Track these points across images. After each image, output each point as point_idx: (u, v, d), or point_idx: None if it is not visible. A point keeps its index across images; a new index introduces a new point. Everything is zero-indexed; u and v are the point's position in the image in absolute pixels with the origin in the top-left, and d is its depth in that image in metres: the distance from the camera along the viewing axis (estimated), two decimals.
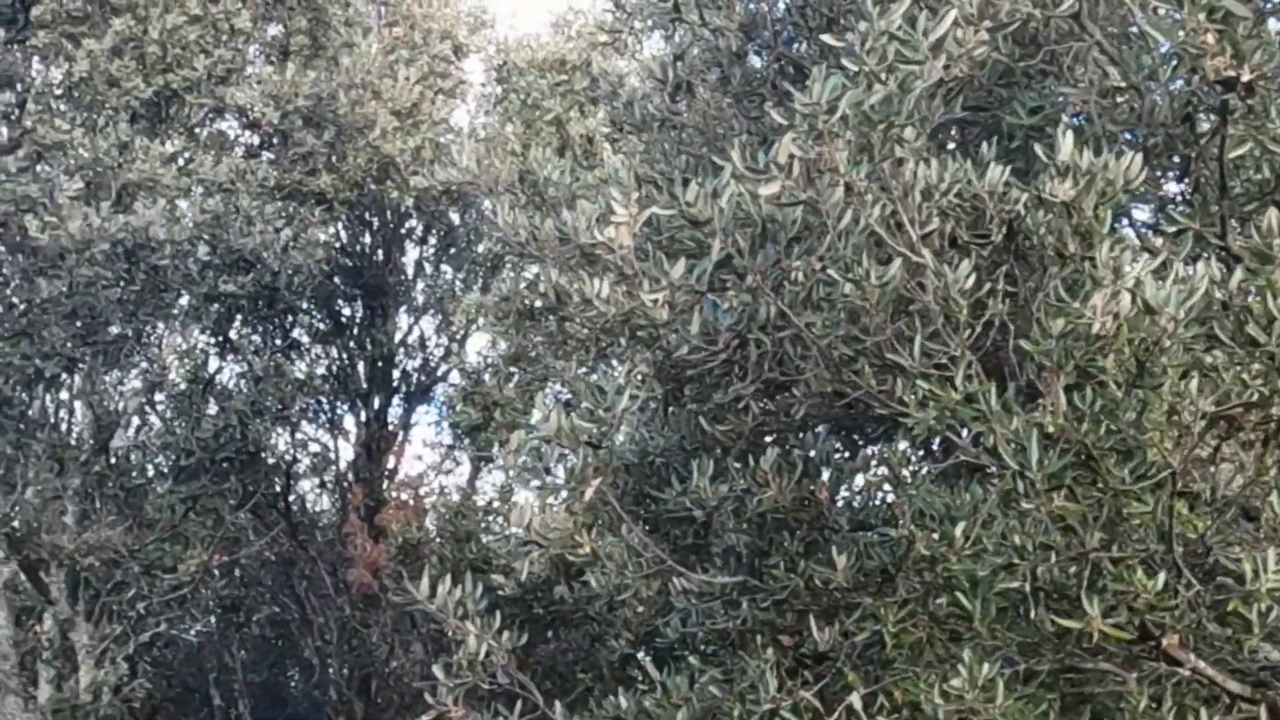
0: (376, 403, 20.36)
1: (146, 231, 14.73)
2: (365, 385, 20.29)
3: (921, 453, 8.33)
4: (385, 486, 20.02)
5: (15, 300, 15.42)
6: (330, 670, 19.73)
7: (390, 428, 20.51)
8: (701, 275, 6.23)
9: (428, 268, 20.66)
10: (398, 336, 20.39)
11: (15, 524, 15.90)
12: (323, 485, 21.27)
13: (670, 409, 8.26)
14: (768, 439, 7.59)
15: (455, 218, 19.96)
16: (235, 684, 21.12)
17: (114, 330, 15.82)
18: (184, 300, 16.24)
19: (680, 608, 7.65)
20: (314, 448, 20.61)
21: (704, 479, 6.90)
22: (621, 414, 6.58)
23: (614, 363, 9.51)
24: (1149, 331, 5.54)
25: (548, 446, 6.76)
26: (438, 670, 7.36)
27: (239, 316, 17.74)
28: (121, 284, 15.02)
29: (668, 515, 7.81)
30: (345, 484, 20.36)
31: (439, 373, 20.68)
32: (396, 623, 19.10)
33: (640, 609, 10.90)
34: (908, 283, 5.87)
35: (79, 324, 15.19)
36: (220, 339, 17.81)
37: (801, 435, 7.32)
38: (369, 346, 20.05)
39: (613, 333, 7.37)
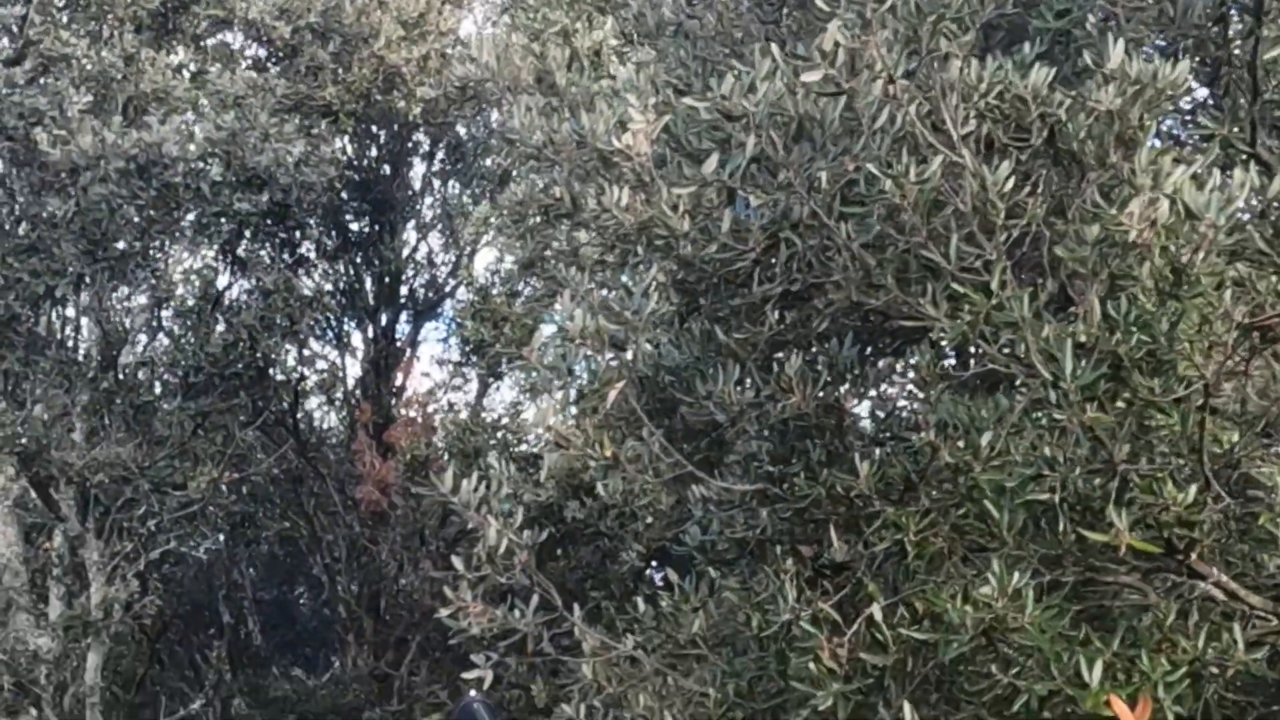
0: (384, 319, 20.25)
1: (159, 148, 14.57)
2: (373, 301, 20.17)
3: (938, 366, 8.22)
4: (393, 403, 19.97)
5: (24, 215, 15.29)
6: (339, 587, 19.77)
7: (398, 344, 20.43)
8: (735, 171, 6.09)
9: (435, 182, 20.48)
10: (405, 252, 20.24)
11: (24, 441, 15.85)
12: (331, 402, 21.23)
13: (685, 324, 8.14)
14: (778, 355, 7.48)
15: (462, 131, 19.76)
16: (244, 601, 21.21)
17: (121, 246, 15.69)
18: (190, 216, 16.10)
19: (698, 516, 7.58)
20: (321, 365, 20.56)
21: (728, 384, 6.79)
22: (648, 316, 6.48)
23: (623, 276, 9.38)
24: (1188, 239, 5.40)
25: (571, 347, 6.66)
26: (456, 562, 7.32)
27: (247, 233, 17.59)
28: (135, 202, 14.87)
29: (684, 427, 7.72)
30: (353, 401, 20.30)
31: (447, 289, 20.56)
32: (406, 540, 19.13)
33: (651, 520, 10.83)
34: (944, 184, 5.73)
35: (86, 241, 15.06)
36: (229, 255, 17.68)
37: (822, 345, 7.20)
38: (376, 263, 19.90)
39: (629, 240, 7.25)
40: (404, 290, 20.37)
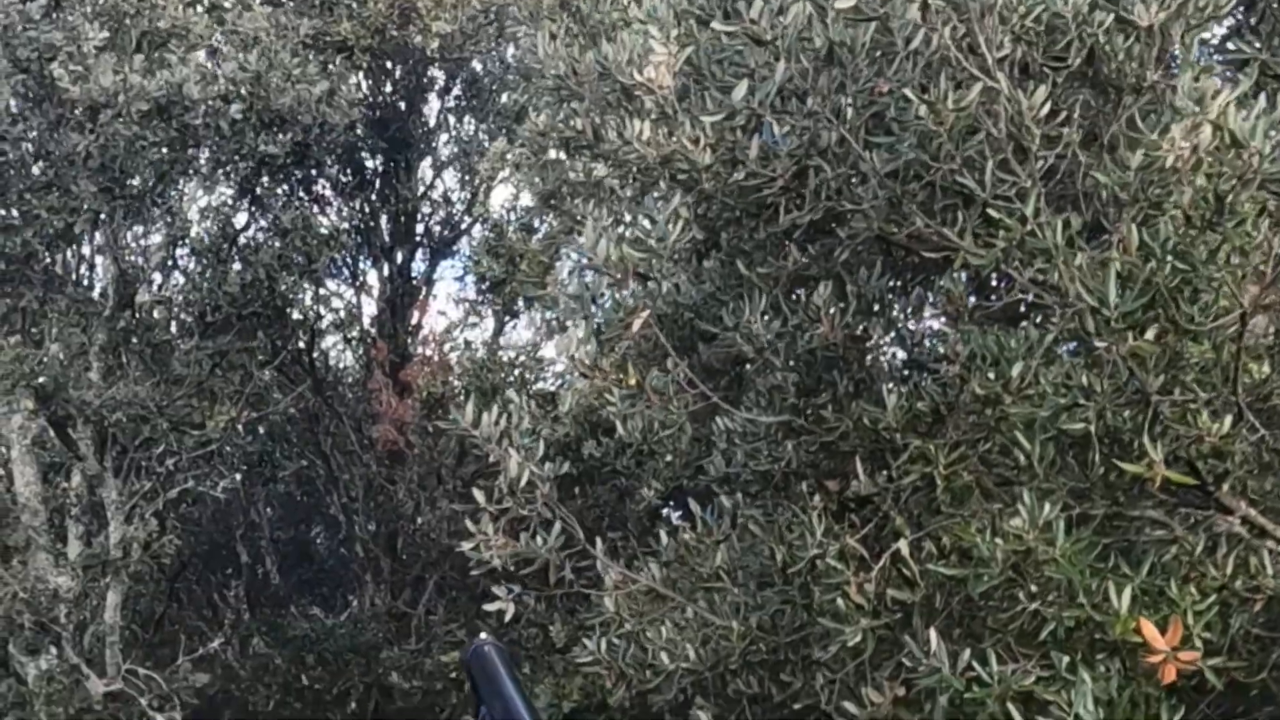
0: (400, 257, 20.17)
1: (180, 89, 14.43)
2: (389, 240, 20.08)
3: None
4: (410, 342, 19.93)
5: (40, 152, 15.17)
6: (357, 526, 19.81)
7: (414, 282, 20.36)
8: (765, 98, 5.99)
9: (451, 119, 20.33)
10: (421, 190, 20.13)
11: (42, 379, 15.81)
12: (347, 341, 21.20)
13: (704, 260, 8.06)
14: (799, 290, 7.39)
15: (478, 66, 19.60)
16: (262, 540, 21.26)
17: (135, 183, 15.59)
18: (205, 155, 15.98)
19: (722, 448, 7.51)
20: (338, 304, 20.51)
21: (754, 315, 6.72)
22: (673, 244, 6.40)
23: (647, 201, 9.27)
24: (1232, 166, 5.28)
25: (594, 277, 6.58)
26: (478, 494, 7.27)
27: (265, 172, 17.48)
28: (154, 143, 14.73)
29: (703, 366, 7.65)
30: (370, 340, 20.26)
31: (463, 226, 20.46)
32: (423, 479, 19.13)
33: (670, 459, 10.76)
34: (979, 110, 5.60)
35: (104, 178, 14.96)
36: (248, 194, 17.57)
37: (850, 277, 7.09)
38: (392, 200, 19.80)
39: (650, 174, 7.16)
40: (420, 228, 20.28)
